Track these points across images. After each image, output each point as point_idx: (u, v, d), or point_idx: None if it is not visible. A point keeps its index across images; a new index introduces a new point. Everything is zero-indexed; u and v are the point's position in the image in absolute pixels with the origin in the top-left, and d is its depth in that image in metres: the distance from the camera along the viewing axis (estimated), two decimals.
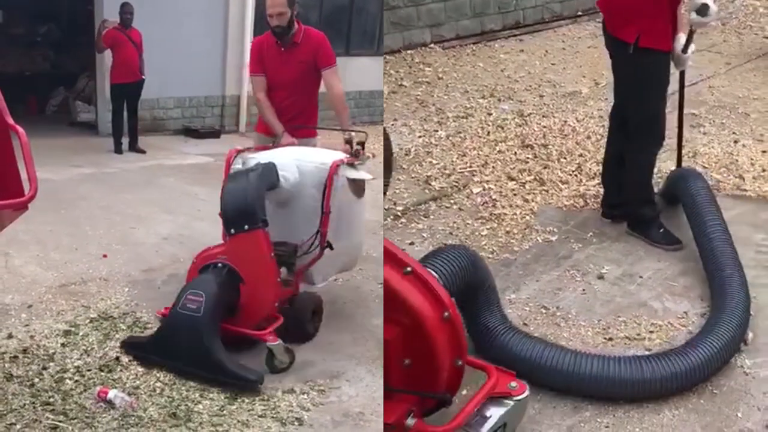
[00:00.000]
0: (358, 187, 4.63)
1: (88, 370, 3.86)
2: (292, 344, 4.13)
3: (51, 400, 3.55)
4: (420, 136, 6.16)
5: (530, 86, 6.91)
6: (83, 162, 9.10)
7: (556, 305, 3.80)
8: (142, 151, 10.03)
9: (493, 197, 4.77)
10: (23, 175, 3.29)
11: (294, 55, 5.16)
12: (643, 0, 3.95)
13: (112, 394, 3.58)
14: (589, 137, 5.59)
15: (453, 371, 2.69)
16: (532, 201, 4.78)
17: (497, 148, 5.45)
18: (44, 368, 3.85)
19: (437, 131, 6.28)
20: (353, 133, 4.78)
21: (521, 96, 6.68)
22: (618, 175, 4.38)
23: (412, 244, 4.45)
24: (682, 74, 4.43)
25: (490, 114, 6.09)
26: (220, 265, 4.02)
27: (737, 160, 5.46)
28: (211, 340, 3.80)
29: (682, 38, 4.13)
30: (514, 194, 4.84)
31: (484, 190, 4.85)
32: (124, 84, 9.84)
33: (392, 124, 5.35)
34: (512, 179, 5.00)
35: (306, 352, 4.21)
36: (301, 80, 5.22)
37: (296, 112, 5.22)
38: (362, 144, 4.76)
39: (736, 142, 5.87)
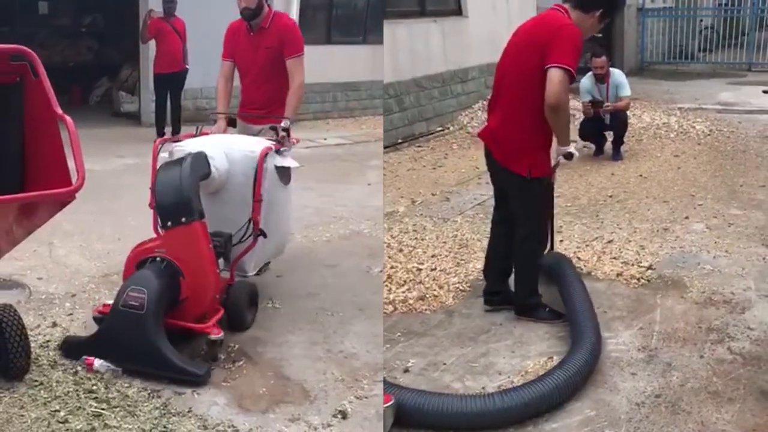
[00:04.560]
0: (284, 174, 4.64)
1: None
2: (230, 333, 4.16)
3: (94, 388, 3.57)
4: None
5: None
6: (126, 152, 9.19)
7: None
8: None
9: None
10: (70, 165, 3.30)
11: (261, 40, 5.01)
12: (533, 138, 4.27)
13: (97, 363, 3.69)
14: (401, 250, 5.73)
15: None
16: None
17: None
18: None
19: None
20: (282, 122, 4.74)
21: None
22: (503, 270, 4.69)
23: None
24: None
25: None
26: (158, 259, 3.91)
27: None
28: (156, 337, 3.71)
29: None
30: None
31: None
32: (167, 74, 9.85)
33: None
34: None
35: (349, 344, 4.21)
36: (268, 67, 5.03)
37: (264, 101, 5.04)
38: (287, 131, 4.70)
39: None
